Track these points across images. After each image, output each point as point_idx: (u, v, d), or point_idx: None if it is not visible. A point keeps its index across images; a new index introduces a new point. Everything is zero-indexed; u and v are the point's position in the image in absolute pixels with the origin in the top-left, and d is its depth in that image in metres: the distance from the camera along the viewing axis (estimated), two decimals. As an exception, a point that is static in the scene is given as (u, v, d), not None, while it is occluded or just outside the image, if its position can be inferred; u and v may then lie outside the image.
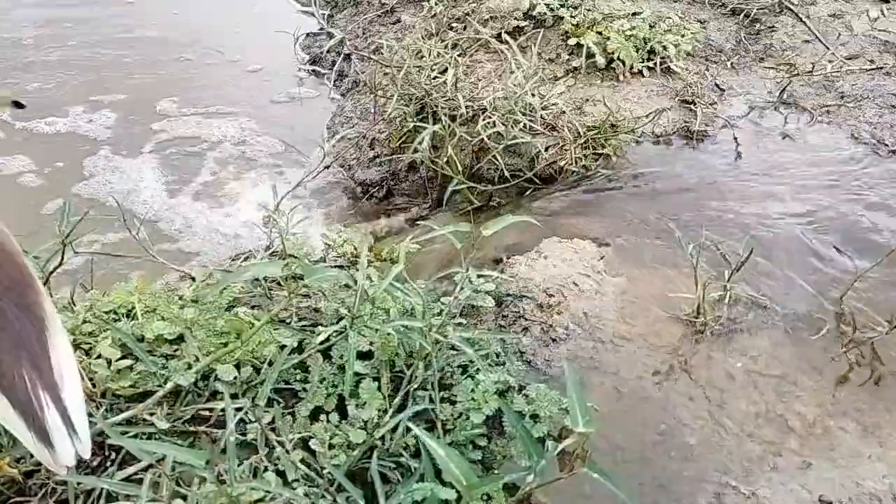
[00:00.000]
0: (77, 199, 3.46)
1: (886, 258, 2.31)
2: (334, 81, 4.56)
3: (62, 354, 1.27)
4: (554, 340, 2.17)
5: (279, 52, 4.82)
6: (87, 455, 1.26)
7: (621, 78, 3.67)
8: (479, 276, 2.20)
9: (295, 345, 1.92)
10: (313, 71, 4.73)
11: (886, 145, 3.21)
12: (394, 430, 1.75)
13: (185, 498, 1.51)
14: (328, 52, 4.76)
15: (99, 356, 1.81)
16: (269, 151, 3.93)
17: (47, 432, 1.21)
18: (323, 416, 1.77)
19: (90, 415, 1.59)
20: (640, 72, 3.70)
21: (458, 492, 1.47)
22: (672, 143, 3.35)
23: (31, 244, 1.90)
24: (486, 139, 3.13)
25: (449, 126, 3.22)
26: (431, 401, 1.80)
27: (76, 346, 1.91)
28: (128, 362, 1.82)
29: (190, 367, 1.80)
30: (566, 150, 3.18)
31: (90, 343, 1.92)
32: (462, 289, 1.99)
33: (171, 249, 3.22)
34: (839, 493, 1.80)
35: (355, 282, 1.79)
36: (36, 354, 1.24)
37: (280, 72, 4.70)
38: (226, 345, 1.88)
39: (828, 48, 3.97)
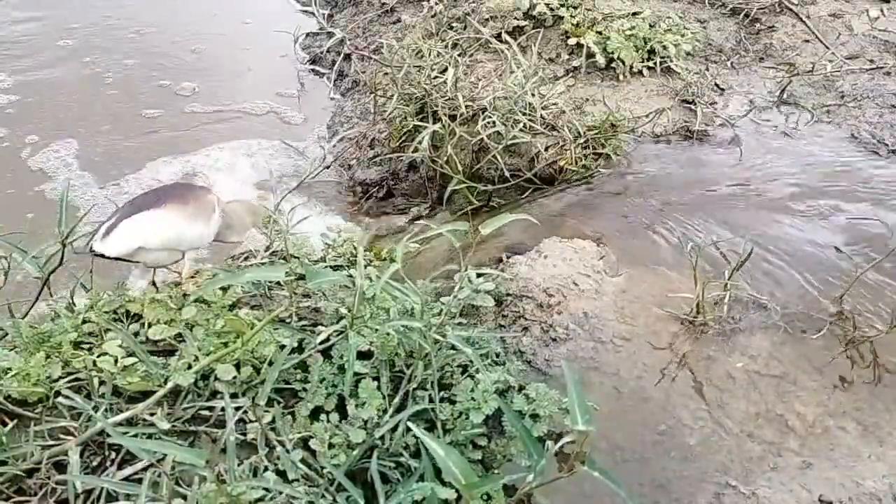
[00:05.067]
0: (72, 193, 3.47)
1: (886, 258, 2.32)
2: (334, 81, 4.56)
3: (156, 214, 2.09)
4: (554, 340, 2.17)
5: (279, 51, 4.82)
6: (103, 251, 2.00)
7: (621, 78, 3.67)
8: (478, 276, 2.20)
9: (295, 345, 1.92)
10: (313, 70, 4.73)
11: (886, 145, 3.21)
12: (394, 429, 1.75)
13: (184, 497, 1.51)
14: (328, 51, 4.76)
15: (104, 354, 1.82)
16: (269, 151, 3.92)
17: (99, 229, 2.05)
18: (323, 416, 1.76)
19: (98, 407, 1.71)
20: (640, 71, 3.70)
21: (457, 491, 1.47)
22: (672, 142, 3.35)
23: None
24: (485, 139, 3.12)
25: (449, 126, 3.22)
26: (431, 400, 1.80)
27: (78, 346, 1.91)
28: (133, 360, 1.82)
29: (190, 366, 1.80)
30: (566, 149, 3.18)
31: (90, 343, 1.93)
32: (461, 288, 1.98)
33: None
34: (839, 493, 1.80)
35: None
36: (143, 208, 2.09)
37: (280, 71, 4.70)
38: (226, 345, 1.88)
39: (828, 48, 3.97)
